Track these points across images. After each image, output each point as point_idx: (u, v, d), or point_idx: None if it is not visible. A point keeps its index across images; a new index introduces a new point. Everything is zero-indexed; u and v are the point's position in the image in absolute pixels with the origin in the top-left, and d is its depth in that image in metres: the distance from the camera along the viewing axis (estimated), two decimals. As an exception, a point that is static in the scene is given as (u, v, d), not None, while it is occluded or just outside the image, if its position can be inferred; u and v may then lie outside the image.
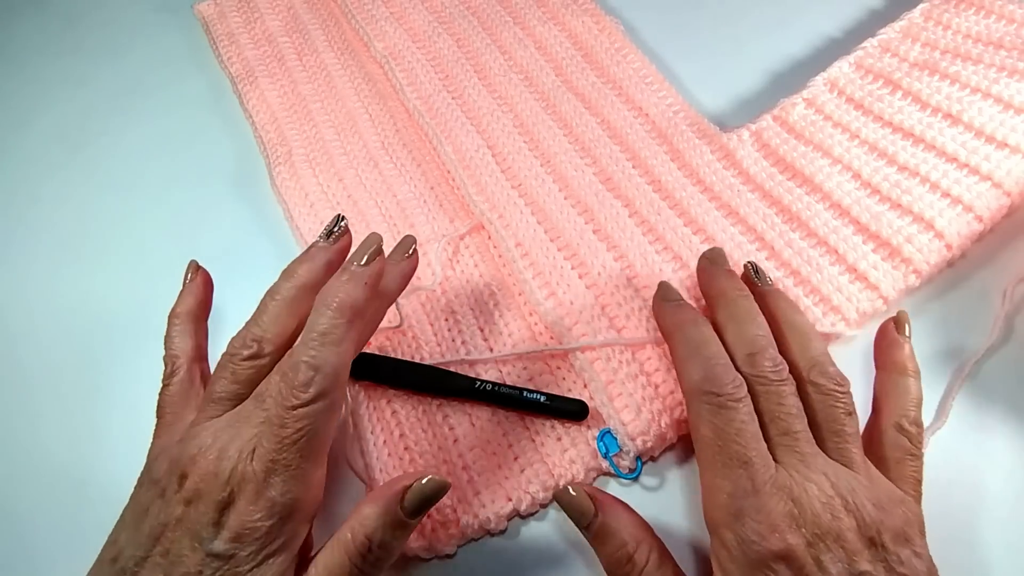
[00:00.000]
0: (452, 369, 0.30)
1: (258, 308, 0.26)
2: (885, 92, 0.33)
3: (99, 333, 0.31)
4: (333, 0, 0.45)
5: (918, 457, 0.25)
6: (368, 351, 0.31)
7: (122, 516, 0.24)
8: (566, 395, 0.29)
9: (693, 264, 0.31)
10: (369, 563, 0.22)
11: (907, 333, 0.27)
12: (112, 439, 0.32)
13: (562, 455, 0.28)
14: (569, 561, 0.27)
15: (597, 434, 0.28)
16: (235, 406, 0.24)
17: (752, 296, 0.27)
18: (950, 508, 0.26)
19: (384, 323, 0.32)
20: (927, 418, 0.28)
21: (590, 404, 0.29)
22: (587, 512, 0.24)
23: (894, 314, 0.27)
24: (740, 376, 0.24)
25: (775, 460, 0.23)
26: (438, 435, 0.29)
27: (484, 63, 0.40)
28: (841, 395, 0.24)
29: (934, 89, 0.32)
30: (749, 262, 0.29)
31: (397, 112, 0.40)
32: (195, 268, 0.30)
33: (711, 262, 0.29)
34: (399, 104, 0.40)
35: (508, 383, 0.30)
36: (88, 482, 0.31)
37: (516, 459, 0.28)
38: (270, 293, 0.26)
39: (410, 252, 0.28)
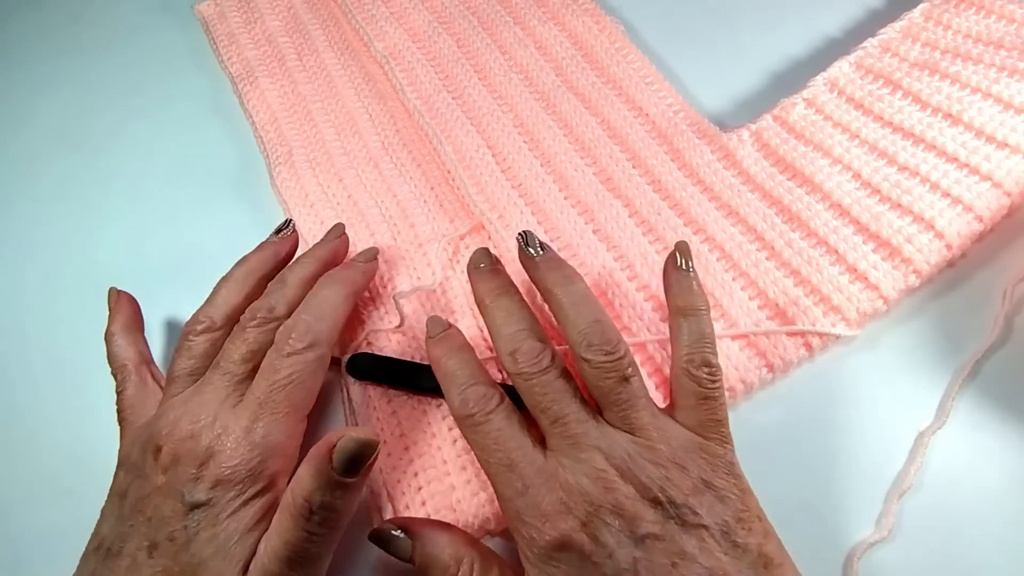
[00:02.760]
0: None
1: (212, 292, 0.29)
2: (885, 92, 0.33)
3: (97, 333, 0.31)
4: (333, 0, 0.45)
5: (712, 398, 0.24)
6: (368, 351, 0.31)
7: (102, 511, 0.25)
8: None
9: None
10: (316, 523, 0.22)
11: (686, 266, 0.26)
12: (111, 439, 0.32)
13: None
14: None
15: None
16: (195, 381, 0.26)
17: (510, 290, 0.27)
18: (950, 508, 0.26)
19: (385, 323, 0.32)
20: (927, 418, 0.28)
21: (590, 404, 0.29)
22: (404, 547, 0.24)
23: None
24: (492, 389, 0.25)
25: (551, 450, 0.23)
26: (438, 435, 0.29)
27: (484, 63, 0.40)
28: (611, 364, 0.24)
29: (934, 89, 0.32)
30: (520, 233, 0.28)
31: (397, 112, 0.40)
32: (116, 292, 0.32)
33: (473, 267, 0.29)
34: (399, 104, 0.40)
35: (508, 383, 0.30)
36: (76, 488, 0.31)
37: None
38: (223, 279, 0.30)
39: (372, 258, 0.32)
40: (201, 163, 0.40)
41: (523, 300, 0.27)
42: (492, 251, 0.33)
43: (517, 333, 0.25)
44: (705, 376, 0.24)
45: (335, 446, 0.21)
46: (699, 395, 0.24)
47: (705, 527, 0.22)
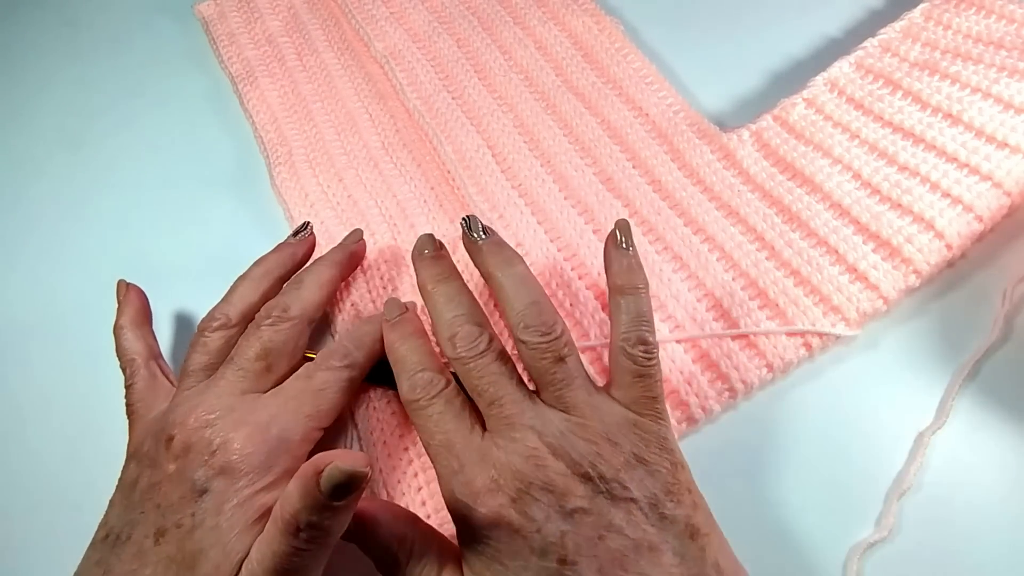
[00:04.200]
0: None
1: (229, 290, 0.30)
2: (885, 92, 0.33)
3: (97, 333, 0.31)
4: (333, 0, 0.45)
5: (648, 375, 0.24)
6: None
7: (110, 501, 0.25)
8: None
9: (693, 264, 0.31)
10: (303, 540, 0.21)
11: (626, 244, 0.26)
12: (108, 441, 0.32)
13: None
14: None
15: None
16: (209, 376, 0.27)
17: (451, 276, 0.28)
18: (950, 508, 0.26)
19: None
20: (927, 418, 0.28)
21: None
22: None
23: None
24: (438, 375, 0.25)
25: (488, 431, 0.24)
26: (438, 435, 0.29)
27: (484, 63, 0.40)
28: (546, 345, 0.24)
29: (934, 89, 0.32)
30: (464, 218, 0.29)
31: (397, 112, 0.40)
32: (124, 285, 0.32)
33: (417, 253, 0.29)
34: (399, 104, 0.40)
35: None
36: (83, 484, 0.31)
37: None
38: (240, 277, 0.30)
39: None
40: (201, 163, 0.40)
41: (464, 286, 0.28)
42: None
43: (456, 318, 0.26)
44: (640, 354, 0.24)
45: (322, 471, 0.20)
46: (635, 372, 0.24)
47: (634, 500, 0.22)
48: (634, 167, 0.35)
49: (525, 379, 0.26)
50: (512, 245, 0.33)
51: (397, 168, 0.38)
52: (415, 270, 0.29)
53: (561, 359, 0.24)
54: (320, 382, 0.27)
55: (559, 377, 0.24)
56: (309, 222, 0.33)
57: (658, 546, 0.22)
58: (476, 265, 0.28)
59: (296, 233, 0.32)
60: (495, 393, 0.24)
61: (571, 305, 0.31)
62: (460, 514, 0.23)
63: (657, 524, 0.22)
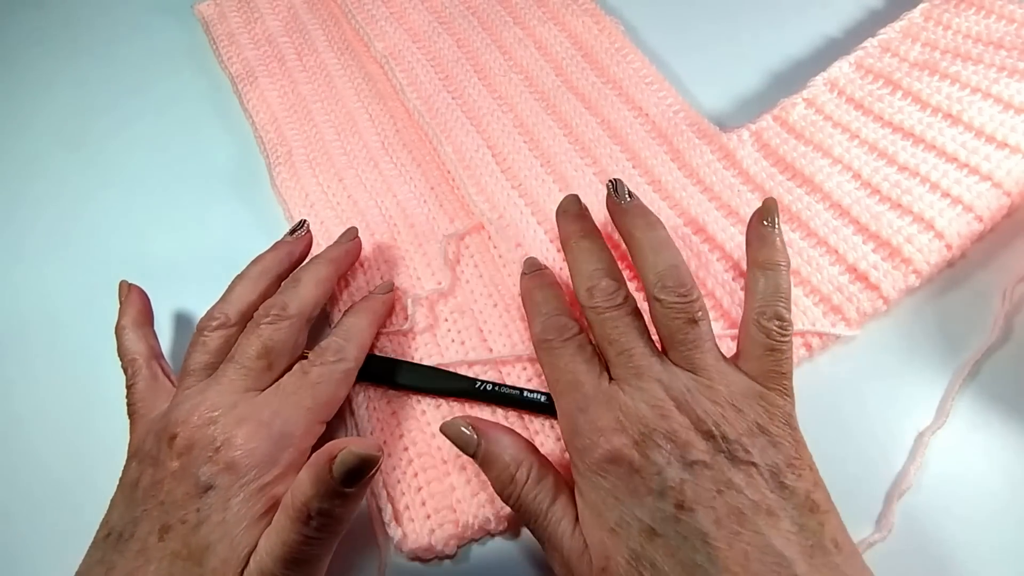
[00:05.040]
0: (452, 369, 0.30)
1: (227, 289, 0.30)
2: (885, 92, 0.33)
3: (98, 333, 0.31)
4: (333, 0, 0.45)
5: (779, 351, 0.24)
6: (369, 352, 0.31)
7: (111, 501, 0.25)
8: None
9: (694, 264, 0.31)
10: (314, 528, 0.22)
11: (773, 224, 0.27)
12: (109, 441, 0.32)
13: (562, 454, 0.28)
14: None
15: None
16: (210, 375, 0.27)
17: (592, 233, 0.29)
18: (950, 508, 0.26)
19: (393, 326, 0.32)
20: (927, 418, 0.28)
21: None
22: (471, 443, 0.25)
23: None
24: (572, 321, 0.27)
25: (615, 379, 0.24)
26: (438, 435, 0.29)
27: (484, 63, 0.40)
28: (682, 306, 0.25)
29: (934, 89, 0.32)
30: (610, 180, 0.29)
31: (397, 112, 0.40)
32: (127, 286, 0.32)
33: (561, 211, 0.31)
34: (399, 104, 0.40)
35: (508, 383, 0.30)
36: (83, 484, 0.31)
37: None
38: (238, 276, 0.30)
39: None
40: (201, 163, 0.40)
41: (604, 244, 0.28)
42: (491, 251, 0.34)
43: (595, 271, 0.27)
44: (775, 328, 0.25)
45: (336, 457, 0.21)
46: (767, 346, 0.24)
47: (755, 464, 0.22)
48: (634, 167, 0.35)
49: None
50: (512, 245, 0.33)
51: (397, 168, 0.38)
52: (558, 226, 0.30)
53: (694, 320, 0.25)
54: (316, 376, 0.27)
55: (690, 338, 0.25)
56: (305, 220, 0.33)
57: (776, 512, 0.21)
58: (618, 226, 0.29)
59: (293, 231, 0.33)
60: (626, 343, 0.25)
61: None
62: (580, 448, 0.23)
63: (777, 491, 0.22)
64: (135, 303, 0.31)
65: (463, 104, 0.38)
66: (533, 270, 0.30)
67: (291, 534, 0.22)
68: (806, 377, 0.29)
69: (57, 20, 0.49)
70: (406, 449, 0.29)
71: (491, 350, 0.31)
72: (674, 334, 0.25)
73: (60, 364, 0.35)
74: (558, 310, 0.27)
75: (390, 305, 0.32)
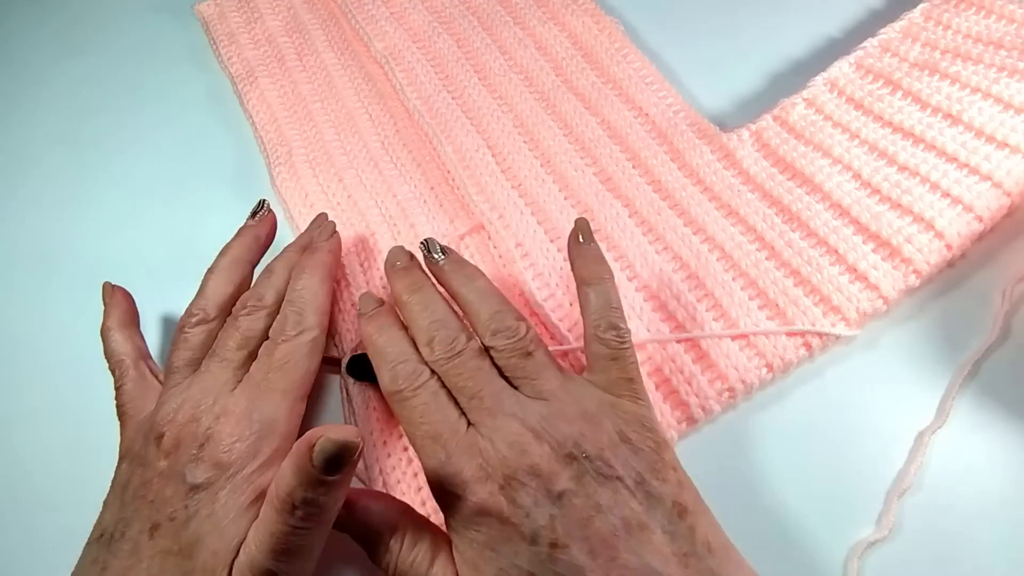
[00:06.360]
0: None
1: (201, 284, 0.30)
2: (885, 92, 0.33)
3: (94, 334, 0.31)
4: (333, 0, 0.45)
5: (622, 358, 0.25)
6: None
7: (104, 503, 0.26)
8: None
9: (693, 264, 0.31)
10: (299, 518, 0.21)
11: (589, 240, 0.27)
12: (102, 443, 0.32)
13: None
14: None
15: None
16: (194, 371, 0.27)
17: (424, 285, 0.28)
18: (950, 508, 0.26)
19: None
20: (927, 418, 0.28)
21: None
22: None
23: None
24: (419, 366, 0.26)
25: (472, 424, 0.24)
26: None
27: (484, 63, 0.40)
28: (513, 345, 0.25)
29: (934, 89, 0.32)
30: (422, 241, 0.29)
31: (397, 112, 0.40)
32: (110, 287, 0.32)
33: (389, 265, 0.30)
34: (399, 104, 0.40)
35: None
36: (75, 486, 0.31)
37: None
38: (209, 270, 0.30)
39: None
40: (201, 163, 0.40)
41: (437, 294, 0.28)
42: (491, 251, 0.34)
43: (432, 324, 0.26)
44: (613, 338, 0.25)
45: (315, 445, 0.21)
46: (609, 356, 0.25)
47: (620, 478, 0.22)
48: (634, 167, 0.35)
49: None
50: (512, 245, 0.33)
51: (397, 168, 0.38)
52: (388, 282, 0.29)
53: (528, 354, 0.25)
54: (282, 356, 0.27)
55: (530, 371, 0.25)
56: (265, 200, 0.33)
57: (647, 524, 0.22)
58: (441, 284, 0.29)
59: (254, 213, 0.33)
60: (475, 387, 0.25)
61: (571, 304, 0.31)
62: (449, 504, 0.23)
63: (644, 502, 0.22)
64: (119, 304, 0.31)
65: (463, 104, 0.38)
66: (371, 309, 0.28)
67: (277, 525, 0.22)
68: (806, 377, 0.29)
69: (57, 20, 0.49)
70: (406, 449, 0.29)
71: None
72: (515, 372, 0.25)
73: (56, 363, 0.35)
74: (403, 355, 0.26)
75: (338, 252, 0.32)
